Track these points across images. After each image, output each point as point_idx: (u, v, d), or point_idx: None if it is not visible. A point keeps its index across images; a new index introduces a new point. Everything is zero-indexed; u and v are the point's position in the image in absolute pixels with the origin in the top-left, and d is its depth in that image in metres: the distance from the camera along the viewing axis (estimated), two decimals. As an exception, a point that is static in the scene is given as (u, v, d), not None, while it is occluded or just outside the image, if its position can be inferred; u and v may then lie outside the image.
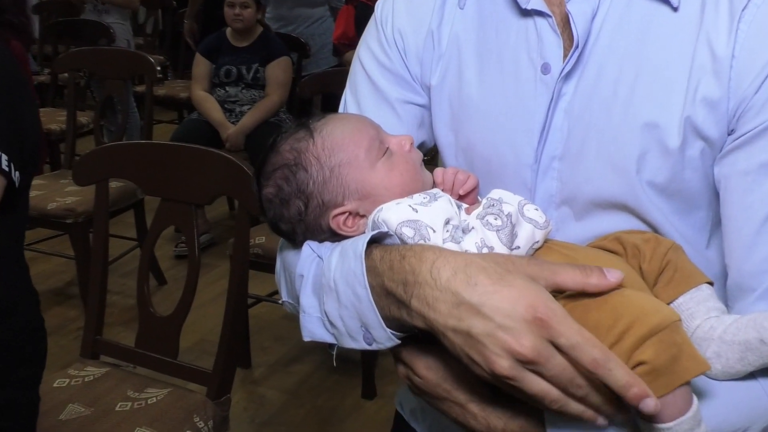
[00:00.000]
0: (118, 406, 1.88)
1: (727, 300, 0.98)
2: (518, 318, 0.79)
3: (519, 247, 0.92)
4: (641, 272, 0.94)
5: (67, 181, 3.54)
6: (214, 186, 1.92)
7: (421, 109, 1.14)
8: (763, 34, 0.93)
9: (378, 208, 0.97)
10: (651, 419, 0.81)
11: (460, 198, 1.03)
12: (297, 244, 1.04)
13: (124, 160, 2.03)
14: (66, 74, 3.97)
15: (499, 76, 1.06)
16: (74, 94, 3.90)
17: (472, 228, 0.92)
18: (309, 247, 1.00)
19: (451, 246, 0.91)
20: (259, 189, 1.05)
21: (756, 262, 0.94)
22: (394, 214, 0.94)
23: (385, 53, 1.14)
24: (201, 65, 4.37)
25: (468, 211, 0.97)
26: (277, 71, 4.28)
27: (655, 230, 1.01)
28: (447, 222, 0.94)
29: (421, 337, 0.89)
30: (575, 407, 0.83)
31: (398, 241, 0.93)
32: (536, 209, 0.95)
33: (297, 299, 1.01)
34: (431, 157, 1.49)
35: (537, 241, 0.94)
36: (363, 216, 1.01)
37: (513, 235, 0.91)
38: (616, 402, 0.83)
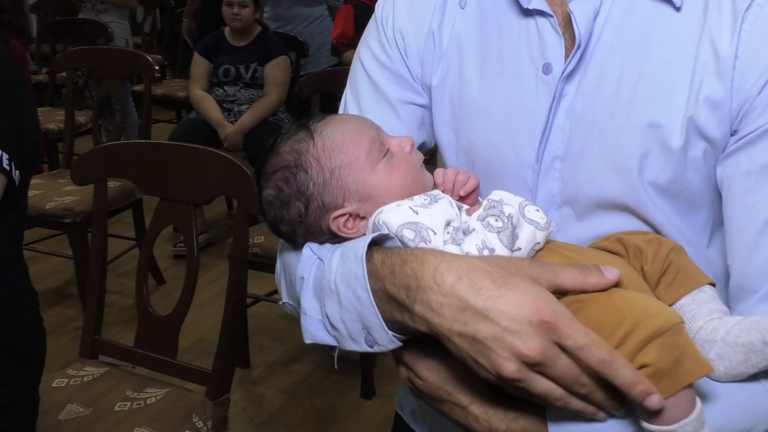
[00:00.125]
0: (117, 406, 1.88)
1: (728, 301, 0.97)
2: (524, 321, 0.79)
3: (520, 249, 0.91)
4: (643, 273, 0.94)
5: (65, 180, 3.53)
6: (213, 185, 1.92)
7: (421, 109, 1.14)
8: (767, 34, 0.92)
9: (378, 210, 0.97)
10: (654, 422, 0.81)
11: (461, 199, 1.02)
12: (297, 246, 1.03)
13: (122, 160, 2.03)
14: (64, 73, 3.97)
15: (500, 76, 1.05)
16: (72, 93, 3.89)
17: (473, 230, 0.92)
18: (309, 249, 1.00)
19: (451, 248, 0.91)
20: (259, 190, 1.04)
21: (758, 263, 0.93)
22: (394, 216, 0.94)
23: (386, 53, 1.14)
24: (199, 64, 4.37)
25: (469, 213, 0.97)
26: (276, 71, 4.28)
27: (657, 231, 1.01)
28: (448, 224, 0.94)
29: (422, 339, 0.89)
30: (577, 404, 0.84)
31: (399, 244, 0.93)
32: (537, 210, 0.94)
33: (297, 301, 1.00)
34: (429, 156, 1.48)
35: (538, 243, 0.93)
36: (363, 218, 1.00)
37: (514, 237, 0.91)
38: (617, 398, 0.84)
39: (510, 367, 0.80)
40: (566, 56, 1.00)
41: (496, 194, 0.95)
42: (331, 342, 0.96)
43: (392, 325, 0.89)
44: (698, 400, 0.82)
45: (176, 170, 1.93)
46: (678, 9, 0.97)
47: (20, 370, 1.68)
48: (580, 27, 0.98)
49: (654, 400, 0.79)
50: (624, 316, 0.82)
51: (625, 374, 0.79)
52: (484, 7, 1.08)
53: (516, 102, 1.04)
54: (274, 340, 3.51)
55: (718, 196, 0.99)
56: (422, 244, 0.91)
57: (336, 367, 1.05)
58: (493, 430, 0.91)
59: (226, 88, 4.33)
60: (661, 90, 0.96)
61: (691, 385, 0.81)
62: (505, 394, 0.89)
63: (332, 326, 0.94)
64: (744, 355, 0.86)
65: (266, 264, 2.91)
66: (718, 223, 1.02)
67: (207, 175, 1.89)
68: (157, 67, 3.85)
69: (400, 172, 1.02)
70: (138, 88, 5.35)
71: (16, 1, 1.87)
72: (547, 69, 1.01)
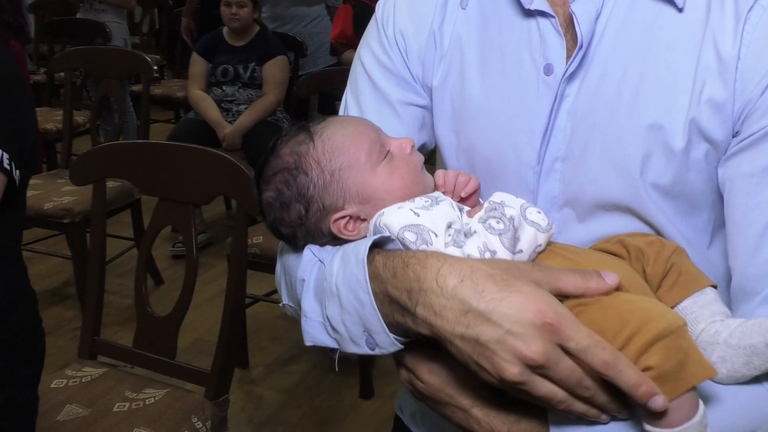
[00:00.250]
0: (116, 406, 1.88)
1: (729, 302, 0.97)
2: (527, 324, 0.79)
3: (522, 251, 0.91)
4: (645, 275, 0.94)
5: (63, 180, 3.53)
6: (212, 186, 1.92)
7: (422, 110, 1.14)
8: None
9: (379, 213, 0.96)
10: (657, 424, 0.81)
11: (462, 200, 1.02)
12: (298, 248, 1.03)
13: (121, 160, 2.03)
14: (62, 73, 3.96)
15: (501, 76, 1.05)
16: (70, 93, 3.89)
17: (475, 232, 0.92)
18: (310, 251, 1.00)
19: (453, 250, 0.91)
20: (259, 193, 1.04)
21: (760, 265, 0.93)
22: (395, 219, 0.94)
23: (386, 54, 1.13)
24: (198, 64, 4.37)
25: (470, 215, 0.97)
26: (274, 70, 4.28)
27: (657, 232, 1.00)
28: (449, 226, 0.94)
29: (424, 341, 0.89)
30: (580, 407, 0.84)
31: (400, 246, 0.92)
32: (539, 212, 0.94)
33: (298, 303, 1.00)
34: (428, 156, 1.48)
35: (540, 245, 0.93)
36: (364, 220, 1.00)
37: (515, 239, 0.91)
38: (620, 400, 0.84)
39: (513, 370, 0.79)
40: (568, 57, 1.00)
41: (498, 196, 0.95)
42: (332, 344, 0.95)
43: (394, 327, 0.89)
44: (701, 403, 0.82)
45: (175, 170, 1.93)
46: (680, 10, 0.97)
47: (20, 370, 1.68)
48: (582, 28, 0.98)
49: (658, 402, 0.78)
50: (627, 319, 0.82)
51: (629, 375, 0.79)
52: (486, 7, 1.08)
53: (517, 103, 1.03)
54: (273, 340, 3.51)
55: (720, 197, 0.98)
56: (424, 247, 0.91)
57: (337, 369, 1.05)
58: (494, 433, 0.91)
59: (224, 88, 4.32)
60: (664, 91, 0.96)
61: (694, 388, 0.81)
62: (507, 396, 0.89)
63: (333, 329, 0.94)
64: (746, 357, 0.86)
65: (265, 264, 2.91)
66: (719, 224, 1.01)
67: (206, 175, 1.89)
68: (155, 67, 3.84)
69: (401, 173, 1.01)
70: (136, 88, 5.32)
71: (14, 1, 1.87)
72: (548, 70, 1.00)
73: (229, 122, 4.22)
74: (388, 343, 0.89)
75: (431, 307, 0.83)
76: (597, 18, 0.98)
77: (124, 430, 1.79)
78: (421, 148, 1.13)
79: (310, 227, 1.01)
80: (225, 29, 4.39)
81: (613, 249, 0.97)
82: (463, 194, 1.02)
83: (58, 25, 5.61)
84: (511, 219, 0.91)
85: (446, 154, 1.13)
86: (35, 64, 6.17)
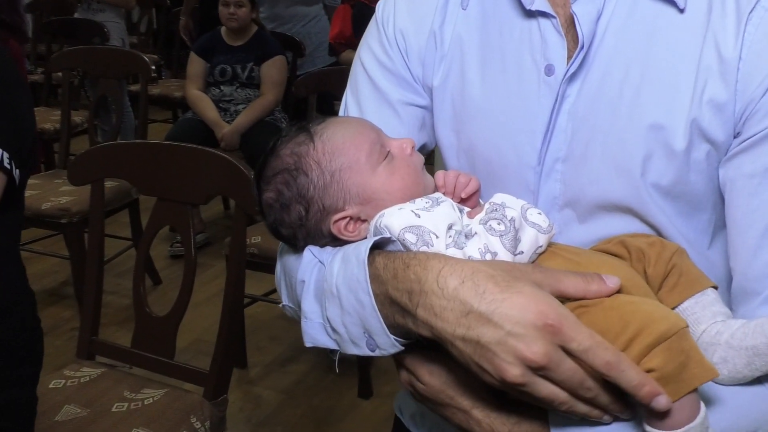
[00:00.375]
0: (115, 406, 1.87)
1: (730, 303, 0.97)
2: (528, 325, 0.78)
3: (522, 252, 0.91)
4: (646, 276, 0.93)
5: (61, 180, 3.52)
6: (210, 185, 1.91)
7: (422, 110, 1.13)
8: None
9: (380, 214, 0.96)
10: (659, 426, 0.80)
11: (462, 201, 1.02)
12: (298, 249, 1.03)
13: (119, 160, 2.02)
14: (60, 73, 3.95)
15: (502, 77, 1.05)
16: (68, 93, 3.88)
17: (475, 233, 0.91)
18: (310, 252, 0.99)
19: (454, 251, 0.91)
20: (259, 193, 1.04)
21: (761, 265, 0.93)
22: (396, 220, 0.93)
23: (387, 54, 1.13)
24: (196, 64, 4.36)
25: (470, 216, 0.96)
26: (272, 70, 4.27)
27: (658, 232, 1.00)
28: (450, 227, 0.93)
29: (424, 343, 0.89)
30: (582, 408, 0.84)
31: (401, 247, 0.92)
32: (539, 213, 0.94)
33: (298, 304, 1.00)
34: (427, 156, 1.48)
35: (540, 246, 0.93)
36: (364, 221, 1.00)
37: (516, 240, 0.91)
38: (622, 401, 0.84)
39: (514, 372, 0.79)
40: (569, 58, 1.00)
41: (498, 197, 0.94)
42: (332, 345, 0.95)
43: (394, 329, 0.88)
44: (703, 405, 0.82)
45: (173, 170, 1.92)
46: (682, 11, 0.96)
47: (19, 370, 1.67)
48: (583, 28, 0.97)
49: (662, 401, 0.78)
50: (628, 321, 0.81)
51: (631, 376, 0.78)
52: (486, 7, 1.08)
53: (518, 103, 1.03)
54: (271, 340, 3.51)
55: (721, 198, 0.98)
56: (424, 248, 0.91)
57: (336, 370, 1.04)
58: (495, 434, 0.91)
59: (222, 87, 4.32)
60: (665, 92, 0.96)
61: (695, 390, 0.81)
62: (508, 397, 0.89)
63: (333, 330, 0.93)
64: (748, 358, 0.86)
65: (263, 264, 2.91)
66: (719, 225, 1.01)
67: (204, 175, 1.89)
68: (153, 67, 3.83)
69: (401, 174, 1.01)
70: (134, 87, 5.34)
71: (11, 1, 1.86)
72: (549, 70, 1.00)
73: (227, 122, 4.21)
74: (388, 344, 0.89)
75: (432, 309, 0.83)
76: (598, 18, 0.98)
77: (122, 431, 1.78)
78: (422, 149, 1.13)
79: (311, 228, 1.01)
80: (223, 29, 4.39)
81: (614, 250, 0.97)
82: (463, 195, 1.02)
83: (56, 24, 5.59)
84: (512, 220, 0.91)
85: (446, 154, 1.12)
86: (33, 64, 6.16)
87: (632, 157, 0.97)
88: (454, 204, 0.98)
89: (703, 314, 0.91)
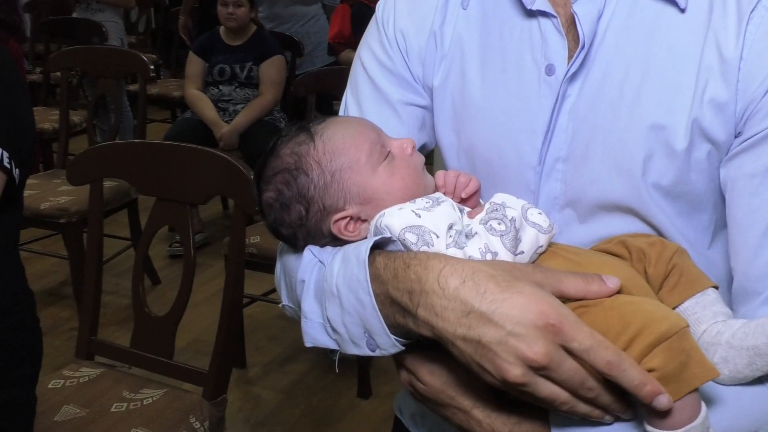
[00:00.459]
0: (114, 407, 1.87)
1: (730, 303, 0.97)
2: (529, 324, 0.78)
3: (523, 252, 0.91)
4: (646, 276, 0.93)
5: (60, 180, 3.52)
6: (209, 185, 1.91)
7: (422, 110, 1.13)
8: None
9: (380, 213, 0.96)
10: (660, 426, 0.80)
11: (462, 201, 1.02)
12: (298, 249, 1.03)
13: (118, 160, 2.03)
14: (58, 73, 3.95)
15: (502, 76, 1.05)
16: (67, 93, 3.88)
17: (476, 233, 0.91)
18: (310, 252, 0.99)
19: (454, 251, 0.90)
20: (259, 193, 1.04)
21: (761, 265, 0.93)
22: (396, 220, 0.93)
23: (387, 54, 1.13)
24: (194, 64, 4.36)
25: (471, 216, 0.96)
26: (271, 70, 4.27)
27: (659, 232, 1.00)
28: (450, 227, 0.93)
29: (424, 343, 0.89)
30: (583, 408, 0.84)
31: (401, 247, 0.92)
32: (540, 213, 0.94)
33: (298, 304, 1.00)
34: (426, 156, 1.48)
35: (541, 246, 0.93)
36: (365, 221, 0.99)
37: (517, 240, 0.90)
38: (623, 401, 0.84)
39: (515, 372, 0.79)
40: (569, 57, 0.99)
41: (499, 197, 0.94)
42: (332, 345, 0.95)
43: (395, 329, 0.88)
44: (703, 405, 0.82)
45: (172, 170, 1.92)
46: (683, 10, 0.96)
47: (19, 370, 1.67)
48: (584, 28, 0.97)
49: (663, 401, 0.78)
50: (629, 321, 0.81)
51: (633, 375, 0.78)
52: (487, 7, 1.07)
53: (518, 103, 1.03)
54: (270, 340, 3.51)
55: (721, 197, 0.98)
56: (425, 248, 0.91)
57: (336, 370, 1.04)
58: (495, 434, 0.91)
59: (221, 87, 4.31)
60: (666, 91, 0.96)
61: (696, 390, 0.81)
62: (508, 397, 0.89)
63: (333, 330, 0.93)
64: (749, 358, 0.86)
65: (262, 264, 2.91)
66: (720, 225, 1.01)
67: (203, 175, 1.89)
68: (151, 67, 3.83)
69: (401, 174, 1.01)
70: (133, 87, 5.34)
71: (10, 0, 1.86)
72: (549, 70, 1.00)
73: (226, 122, 4.21)
74: (388, 344, 0.89)
75: (433, 309, 0.83)
76: (599, 18, 0.98)
77: (121, 431, 1.78)
78: (422, 149, 1.13)
79: (311, 228, 1.00)
80: (222, 29, 4.39)
81: (615, 250, 0.97)
82: (463, 195, 1.02)
83: (55, 24, 5.60)
84: (513, 220, 0.91)
85: (447, 154, 1.12)
86: (31, 64, 6.15)
87: (633, 157, 0.97)
88: (455, 204, 0.98)
89: (703, 314, 0.91)
